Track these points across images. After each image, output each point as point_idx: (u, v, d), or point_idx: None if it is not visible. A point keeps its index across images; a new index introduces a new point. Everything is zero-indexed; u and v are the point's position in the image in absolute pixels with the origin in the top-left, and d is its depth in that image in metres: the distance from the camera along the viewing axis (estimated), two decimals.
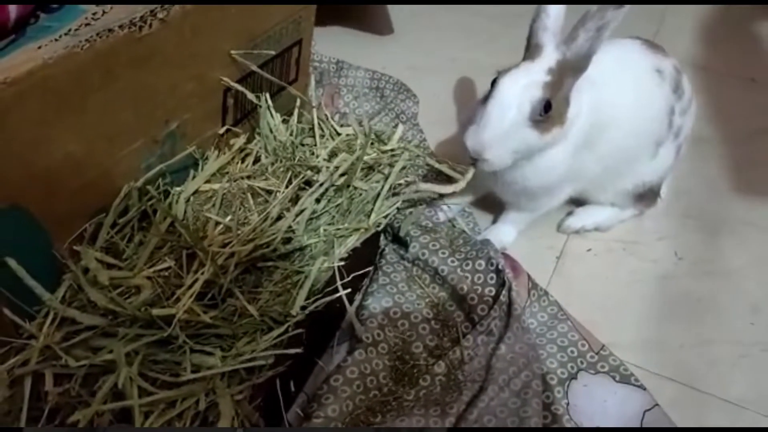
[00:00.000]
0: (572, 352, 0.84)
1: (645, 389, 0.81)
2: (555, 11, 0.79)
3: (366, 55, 1.33)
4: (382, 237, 0.93)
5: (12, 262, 0.56)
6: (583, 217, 1.02)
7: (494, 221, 1.01)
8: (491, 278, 0.87)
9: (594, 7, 0.76)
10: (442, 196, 1.02)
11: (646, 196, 1.01)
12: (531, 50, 0.82)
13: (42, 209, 0.58)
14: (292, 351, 0.62)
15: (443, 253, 0.89)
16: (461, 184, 0.90)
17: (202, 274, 0.63)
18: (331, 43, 1.35)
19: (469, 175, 0.89)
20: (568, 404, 0.79)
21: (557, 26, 0.80)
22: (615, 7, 0.75)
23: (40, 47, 0.58)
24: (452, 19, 1.52)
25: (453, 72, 1.32)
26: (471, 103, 1.21)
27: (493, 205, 1.02)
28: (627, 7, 0.76)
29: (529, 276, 0.92)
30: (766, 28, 1.58)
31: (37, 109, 0.53)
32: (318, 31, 1.41)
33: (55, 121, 0.55)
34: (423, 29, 1.47)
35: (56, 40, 0.62)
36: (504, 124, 0.77)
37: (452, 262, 0.88)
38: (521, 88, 0.77)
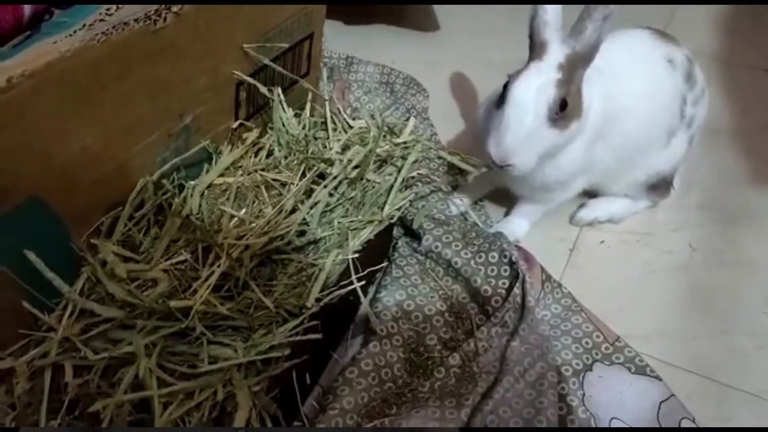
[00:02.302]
0: (587, 343, 0.84)
1: (661, 380, 0.80)
2: (554, 7, 0.79)
3: (376, 50, 1.33)
4: (395, 230, 0.93)
5: (31, 255, 0.57)
6: (596, 209, 1.01)
7: (506, 214, 1.01)
8: (505, 270, 0.87)
9: None
10: (454, 188, 1.02)
11: (659, 187, 1.01)
12: (536, 49, 0.81)
13: (60, 202, 0.58)
14: (311, 337, 0.62)
15: (456, 245, 0.88)
16: (471, 178, 0.90)
17: (218, 266, 0.64)
18: (341, 40, 1.36)
19: (482, 166, 0.89)
20: (583, 395, 0.79)
21: (558, 21, 0.80)
22: None
23: (55, 42, 0.59)
24: (462, 15, 1.52)
25: (463, 67, 1.32)
26: (480, 98, 1.21)
27: (505, 198, 1.02)
28: None
29: (542, 268, 0.91)
30: None
31: (54, 102, 0.53)
32: (334, 28, 1.43)
33: (72, 113, 0.55)
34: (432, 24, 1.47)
35: (71, 35, 0.62)
36: (524, 128, 0.77)
37: (465, 254, 0.88)
38: (535, 90, 0.77)
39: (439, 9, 1.50)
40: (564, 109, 0.79)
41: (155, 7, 0.60)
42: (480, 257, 0.88)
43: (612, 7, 0.77)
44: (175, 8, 0.61)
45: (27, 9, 0.70)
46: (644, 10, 1.51)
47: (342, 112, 0.81)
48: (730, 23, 1.55)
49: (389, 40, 1.40)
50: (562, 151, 0.83)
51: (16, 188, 0.55)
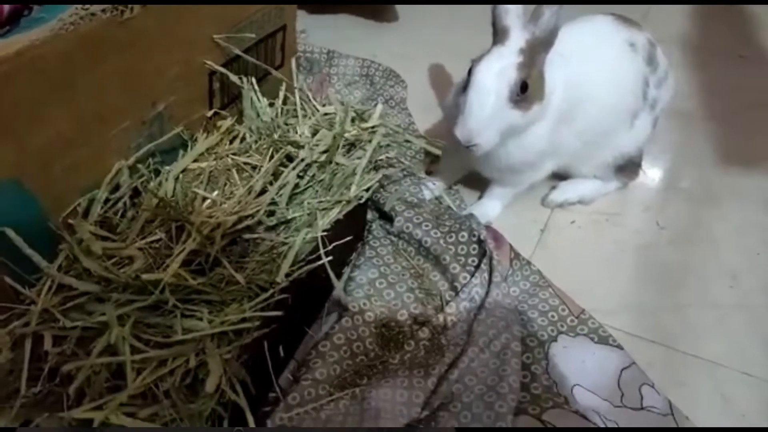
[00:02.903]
0: (553, 316, 0.87)
1: (622, 349, 0.84)
2: None
3: (357, 44, 1.37)
4: (369, 213, 0.97)
5: (10, 232, 0.61)
6: (567, 191, 1.05)
7: (480, 198, 1.05)
8: (473, 249, 0.91)
9: None
10: (429, 174, 1.06)
11: (627, 168, 1.04)
12: (499, 34, 0.85)
13: (37, 184, 0.62)
14: (274, 314, 0.66)
15: (426, 225, 0.92)
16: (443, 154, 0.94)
17: (189, 244, 0.67)
18: (323, 33, 1.40)
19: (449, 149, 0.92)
20: (548, 364, 0.82)
21: (519, 8, 0.83)
22: None
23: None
24: (439, 9, 1.56)
25: (440, 58, 1.35)
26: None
27: (478, 182, 1.05)
28: None
29: (511, 246, 0.95)
30: (753, 7, 1.60)
31: (27, 89, 0.57)
32: (312, 20, 1.46)
33: (45, 100, 0.59)
34: (411, 19, 1.51)
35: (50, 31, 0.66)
36: (486, 110, 0.81)
37: (435, 234, 0.91)
38: (496, 73, 0.81)
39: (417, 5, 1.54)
40: (525, 91, 0.82)
41: None
42: (450, 237, 0.92)
43: None
44: None
45: (5, 6, 0.74)
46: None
47: (312, 99, 0.85)
48: (705, 10, 1.58)
49: (368, 33, 1.44)
50: (525, 132, 0.87)
51: None
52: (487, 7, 0.87)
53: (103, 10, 0.61)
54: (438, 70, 1.34)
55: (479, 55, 0.86)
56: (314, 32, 1.39)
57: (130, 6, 0.63)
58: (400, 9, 1.53)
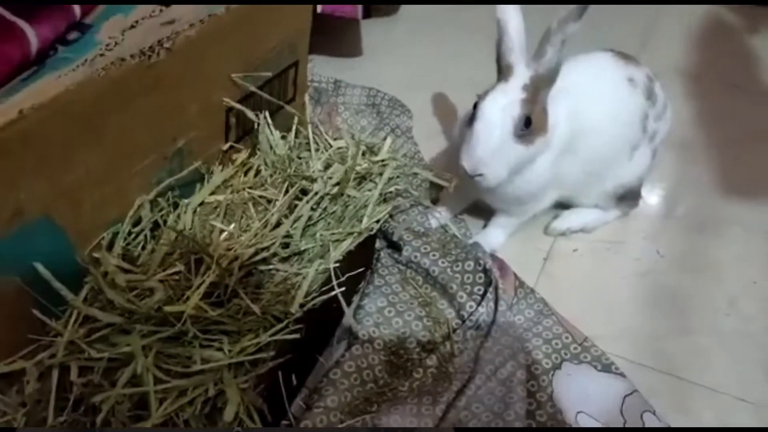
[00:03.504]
0: (557, 344, 0.90)
1: (625, 376, 0.86)
2: (515, 32, 0.86)
3: (363, 74, 1.41)
4: (377, 242, 0.99)
5: (40, 267, 0.64)
6: (569, 220, 1.08)
7: (485, 226, 1.08)
8: (479, 278, 0.93)
9: (554, 23, 0.82)
10: (434, 202, 1.09)
11: (628, 198, 1.07)
12: (503, 71, 0.89)
13: (66, 220, 0.65)
14: (287, 337, 0.68)
15: (434, 255, 0.95)
16: (451, 186, 0.97)
17: (209, 276, 0.70)
18: (329, 65, 1.43)
19: (453, 182, 0.95)
20: (552, 392, 0.84)
21: (521, 44, 0.87)
22: (575, 20, 0.82)
23: (59, 77, 0.66)
24: (446, 38, 1.60)
25: (446, 88, 1.39)
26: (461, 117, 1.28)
27: (483, 211, 1.08)
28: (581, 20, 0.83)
29: (516, 275, 0.98)
30: (750, 37, 1.64)
31: (61, 131, 0.60)
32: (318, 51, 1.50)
33: (77, 141, 0.62)
34: (416, 48, 1.55)
35: (74, 69, 0.70)
36: (492, 142, 0.84)
37: (442, 263, 0.94)
38: (502, 108, 0.84)
39: (421, 34, 1.58)
40: (529, 126, 0.86)
41: (149, 43, 0.67)
42: (457, 266, 0.95)
43: (569, 31, 0.84)
44: (166, 44, 0.68)
45: (33, 46, 0.78)
46: (623, 28, 1.59)
47: (324, 134, 0.88)
48: (702, 42, 1.62)
49: (375, 62, 1.48)
50: (530, 164, 0.90)
51: (29, 208, 0.61)
52: (491, 38, 0.90)
53: (132, 56, 0.64)
54: (442, 98, 1.38)
55: (484, 90, 0.89)
56: (320, 62, 1.43)
57: (156, 51, 0.66)
58: (403, 39, 1.57)
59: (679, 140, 1.26)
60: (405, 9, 1.67)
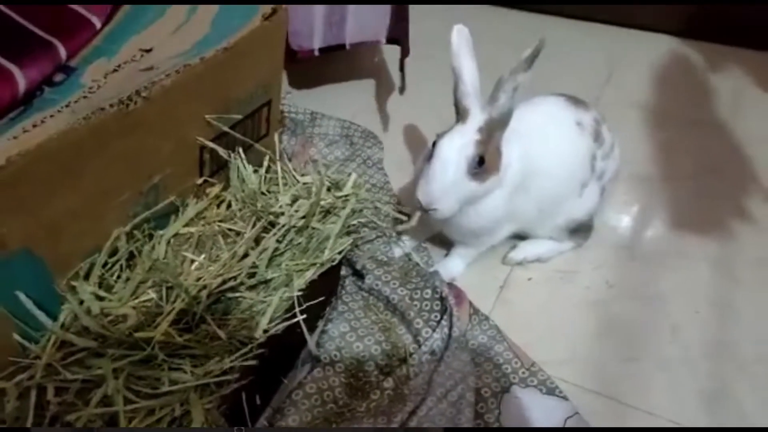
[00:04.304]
0: (506, 368, 0.96)
1: (568, 399, 0.92)
2: (470, 79, 0.94)
3: (338, 104, 1.48)
4: (343, 269, 1.06)
5: (21, 296, 0.70)
6: (525, 250, 1.15)
7: (446, 256, 1.14)
8: (436, 305, 1.00)
9: (506, 73, 0.90)
10: (399, 233, 1.16)
11: (580, 231, 1.14)
12: (461, 113, 0.96)
13: (46, 251, 0.71)
14: (251, 363, 0.74)
15: (394, 283, 1.01)
16: (413, 222, 1.04)
17: (179, 303, 0.76)
18: (306, 95, 1.51)
19: (416, 215, 1.02)
20: (499, 413, 0.90)
21: (475, 89, 0.94)
22: (524, 70, 0.89)
23: (44, 119, 0.73)
24: (422, 71, 1.68)
25: (416, 119, 1.46)
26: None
27: (445, 241, 1.15)
28: (532, 70, 0.90)
29: (471, 303, 1.04)
30: (709, 74, 1.73)
31: (43, 174, 0.66)
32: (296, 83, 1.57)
33: (58, 182, 0.69)
34: (390, 81, 1.63)
35: (59, 110, 0.76)
36: (446, 179, 0.91)
37: (402, 291, 1.01)
38: (457, 148, 0.92)
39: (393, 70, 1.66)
40: (482, 165, 0.93)
41: (128, 93, 0.74)
42: (416, 294, 1.01)
43: (519, 79, 0.92)
44: (144, 93, 0.75)
45: (21, 87, 0.84)
46: (585, 67, 1.67)
47: (291, 171, 0.95)
48: (663, 78, 1.71)
49: (349, 96, 1.56)
50: (482, 200, 0.97)
51: (11, 241, 0.67)
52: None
53: (111, 105, 0.71)
54: (414, 130, 1.45)
55: (443, 131, 0.96)
56: (297, 96, 1.50)
57: (134, 100, 0.73)
58: (377, 68, 1.65)
59: (634, 172, 1.34)
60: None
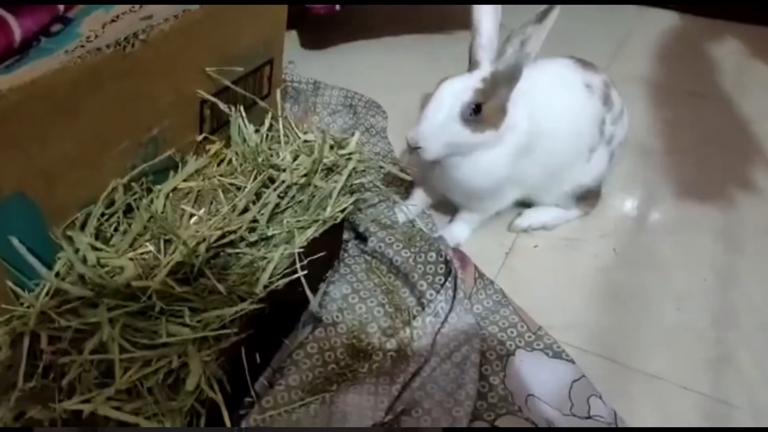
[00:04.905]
0: (512, 332, 0.94)
1: (574, 363, 0.91)
2: (486, 31, 0.92)
3: (342, 75, 1.46)
4: (345, 234, 1.04)
5: (14, 241, 0.67)
6: (531, 217, 1.13)
7: (450, 222, 1.12)
8: (440, 268, 0.98)
9: (517, 25, 0.88)
10: (402, 198, 1.14)
11: (587, 198, 1.12)
12: (471, 65, 0.94)
13: (41, 197, 0.69)
14: (253, 307, 0.72)
15: (398, 246, 0.99)
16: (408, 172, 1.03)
17: (176, 254, 0.74)
18: (309, 66, 1.49)
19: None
20: (504, 376, 0.89)
21: (491, 44, 0.92)
22: (535, 23, 0.87)
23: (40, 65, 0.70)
24: (422, 42, 1.66)
25: (421, 90, 1.44)
26: None
27: (449, 208, 1.13)
28: (549, 23, 0.88)
29: (476, 267, 1.02)
30: (712, 49, 1.71)
31: (36, 113, 0.64)
32: (300, 54, 1.56)
33: (52, 123, 0.66)
34: (393, 52, 1.61)
35: (54, 59, 0.74)
36: (437, 119, 0.90)
37: (405, 253, 0.99)
38: (455, 91, 0.90)
39: (403, 37, 1.64)
40: (478, 113, 0.91)
41: (125, 35, 0.71)
42: (420, 257, 0.99)
43: (528, 32, 0.89)
44: (141, 36, 0.72)
45: (17, 35, 0.82)
46: (592, 41, 1.65)
47: (294, 128, 0.93)
48: (667, 53, 1.69)
49: (352, 64, 1.53)
50: (480, 156, 0.95)
51: (4, 184, 0.65)
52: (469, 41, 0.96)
53: (108, 46, 0.69)
54: (418, 101, 1.43)
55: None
56: (301, 63, 1.48)
57: (132, 42, 0.71)
58: (384, 42, 1.63)
59: (639, 145, 1.32)
60: (383, 11, 1.74)
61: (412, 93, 1.41)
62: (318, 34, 1.63)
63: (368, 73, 1.51)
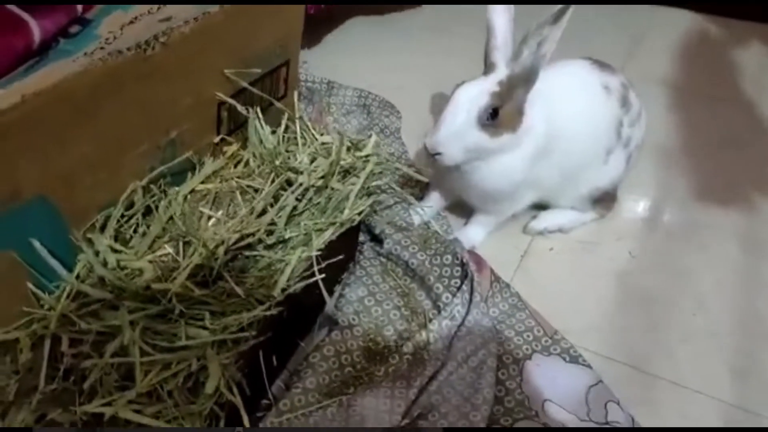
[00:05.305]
0: (528, 336, 0.94)
1: (591, 368, 0.90)
2: (501, 32, 0.91)
3: (356, 75, 1.45)
4: (361, 236, 1.04)
5: (36, 243, 0.68)
6: (547, 220, 1.12)
7: (465, 224, 1.12)
8: (456, 271, 0.98)
9: (533, 26, 0.87)
10: (418, 199, 1.13)
11: (603, 200, 1.11)
12: (487, 68, 0.94)
13: (61, 200, 0.69)
14: (271, 312, 0.72)
15: (413, 248, 0.99)
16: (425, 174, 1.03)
17: (195, 257, 0.74)
18: (323, 65, 1.48)
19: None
20: (521, 380, 0.88)
21: (506, 46, 0.92)
22: (550, 24, 0.87)
23: (60, 67, 0.70)
24: (437, 40, 1.65)
25: (436, 90, 1.44)
26: None
27: (465, 210, 1.13)
28: (563, 23, 0.87)
29: (492, 270, 1.02)
30: (730, 50, 1.69)
31: (58, 116, 0.64)
32: (313, 53, 1.56)
33: (73, 126, 0.66)
34: (407, 51, 1.60)
35: (74, 61, 0.74)
36: (455, 124, 0.90)
37: (421, 256, 0.99)
38: (471, 96, 0.90)
39: (417, 37, 1.64)
40: (495, 118, 0.91)
41: (146, 37, 0.71)
42: (435, 259, 0.99)
43: (545, 33, 0.89)
44: (162, 39, 0.72)
45: (36, 36, 0.82)
46: (607, 42, 1.64)
47: (311, 128, 0.92)
48: (685, 54, 1.68)
49: (365, 65, 1.53)
50: (497, 160, 0.95)
51: (26, 187, 0.65)
52: (483, 41, 0.95)
53: (128, 49, 0.69)
54: (432, 101, 1.43)
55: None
56: (314, 63, 1.48)
57: (152, 45, 0.71)
58: (398, 40, 1.62)
59: (657, 147, 1.31)
60: (399, 12, 1.74)
61: (422, 92, 1.42)
62: (318, 33, 1.62)
63: (379, 73, 1.50)
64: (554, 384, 0.88)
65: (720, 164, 1.31)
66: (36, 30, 0.81)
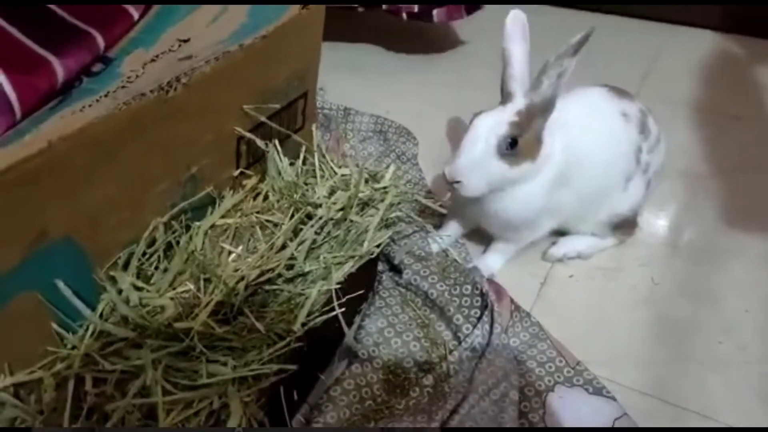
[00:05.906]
0: (550, 367, 0.93)
1: (615, 400, 0.88)
2: (518, 64, 0.91)
3: (372, 101, 1.46)
4: (380, 265, 1.04)
5: (61, 284, 0.69)
6: (566, 246, 1.11)
7: (485, 252, 1.12)
8: (476, 301, 0.97)
9: (552, 57, 0.87)
10: (436, 227, 1.13)
11: (623, 226, 1.10)
12: (504, 97, 0.94)
13: (86, 240, 0.70)
14: (290, 367, 0.72)
15: (433, 278, 0.99)
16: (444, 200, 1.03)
17: (216, 294, 0.75)
18: (340, 92, 1.49)
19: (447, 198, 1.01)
20: (544, 413, 0.87)
21: (522, 74, 0.92)
22: (570, 55, 0.87)
23: (83, 108, 0.72)
24: (451, 69, 1.66)
25: (452, 116, 1.44)
26: None
27: (483, 237, 1.12)
28: (577, 56, 0.87)
29: (512, 299, 1.01)
30: (751, 69, 1.68)
31: (83, 159, 0.65)
32: (329, 80, 1.57)
33: (97, 168, 0.68)
34: (425, 78, 1.61)
35: (97, 101, 0.75)
36: (474, 154, 0.89)
37: (441, 286, 0.98)
38: (490, 125, 0.90)
39: (431, 64, 1.64)
40: (514, 147, 0.90)
41: (167, 79, 0.73)
42: (455, 289, 0.99)
43: (565, 65, 0.89)
44: (183, 80, 0.73)
45: (59, 76, 0.84)
46: (622, 63, 1.63)
47: (330, 161, 0.93)
48: (704, 74, 1.66)
49: (383, 91, 1.54)
50: (518, 189, 0.94)
51: (53, 229, 0.67)
52: (499, 69, 0.95)
53: (151, 91, 0.70)
54: (449, 127, 1.43)
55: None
56: (331, 90, 1.49)
57: (174, 86, 0.72)
58: (414, 71, 1.63)
59: (678, 170, 1.30)
60: (418, 39, 1.75)
61: (439, 119, 1.42)
62: (334, 59, 1.63)
63: (395, 100, 1.51)
64: (578, 417, 0.86)
65: (743, 186, 1.29)
66: (59, 69, 0.83)
